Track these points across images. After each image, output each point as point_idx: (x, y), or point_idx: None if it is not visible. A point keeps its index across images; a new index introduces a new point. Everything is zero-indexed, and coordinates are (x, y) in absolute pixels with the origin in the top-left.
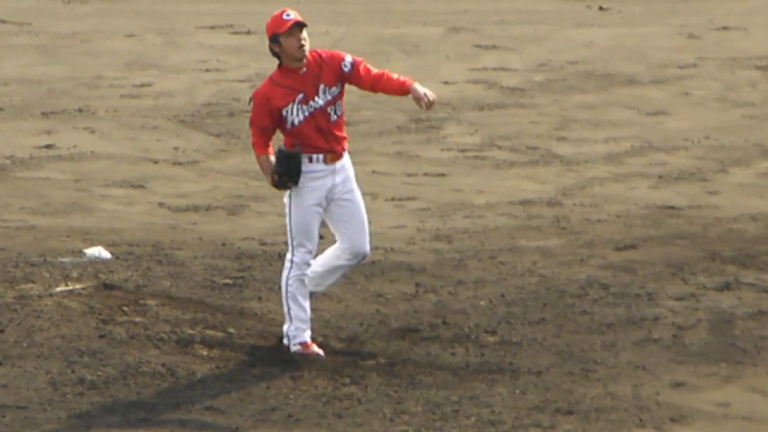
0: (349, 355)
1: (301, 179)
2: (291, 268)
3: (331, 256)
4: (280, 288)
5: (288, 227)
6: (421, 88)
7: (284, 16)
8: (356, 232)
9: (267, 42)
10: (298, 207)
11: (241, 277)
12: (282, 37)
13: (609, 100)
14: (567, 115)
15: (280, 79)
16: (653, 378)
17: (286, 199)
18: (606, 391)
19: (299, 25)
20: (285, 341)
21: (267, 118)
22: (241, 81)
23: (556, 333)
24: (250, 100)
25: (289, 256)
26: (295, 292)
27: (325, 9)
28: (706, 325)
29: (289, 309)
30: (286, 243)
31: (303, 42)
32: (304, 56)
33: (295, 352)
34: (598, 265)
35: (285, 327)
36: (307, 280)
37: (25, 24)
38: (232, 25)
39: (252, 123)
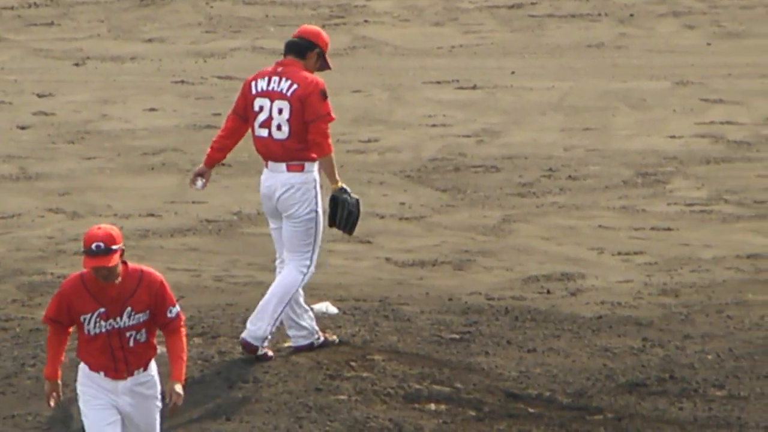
0: (576, 409)
1: None
2: (307, 276)
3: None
4: (280, 289)
5: (314, 239)
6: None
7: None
8: None
9: (319, 52)
10: (322, 220)
11: (468, 332)
12: (327, 55)
13: None
14: None
15: None
16: None
17: (316, 209)
18: None
19: None
20: (254, 341)
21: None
22: (467, 136)
23: None
24: (325, 96)
25: (306, 263)
26: (296, 298)
27: (550, 64)
28: None
29: (281, 313)
30: (513, 297)
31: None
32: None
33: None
34: None
35: (264, 329)
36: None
37: None
38: (458, 80)
39: (331, 118)
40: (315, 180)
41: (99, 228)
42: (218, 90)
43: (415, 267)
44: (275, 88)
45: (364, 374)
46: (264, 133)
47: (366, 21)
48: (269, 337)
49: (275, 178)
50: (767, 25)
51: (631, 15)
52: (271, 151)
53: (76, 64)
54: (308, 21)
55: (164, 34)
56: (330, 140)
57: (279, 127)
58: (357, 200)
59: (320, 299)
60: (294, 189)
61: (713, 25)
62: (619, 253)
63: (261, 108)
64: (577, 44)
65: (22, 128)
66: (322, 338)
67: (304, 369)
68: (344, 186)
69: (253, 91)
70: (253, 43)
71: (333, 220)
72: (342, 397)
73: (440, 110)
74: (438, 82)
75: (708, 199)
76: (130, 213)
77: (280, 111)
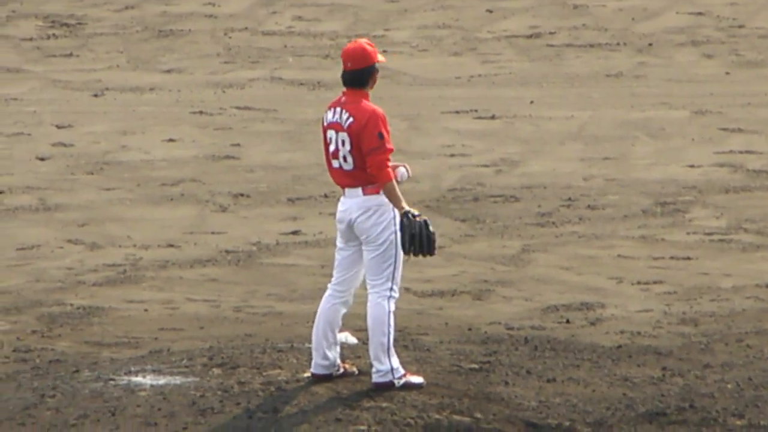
0: None
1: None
2: (391, 300)
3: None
4: (375, 323)
5: (394, 261)
6: None
7: (379, 57)
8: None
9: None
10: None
11: (488, 362)
12: (377, 72)
13: None
14: None
15: None
16: None
17: (395, 230)
18: None
19: None
20: (385, 378)
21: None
22: (486, 166)
23: None
24: (381, 135)
25: (388, 285)
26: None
27: (569, 93)
28: None
29: (391, 344)
30: (533, 327)
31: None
32: None
33: (404, 385)
34: None
35: (387, 363)
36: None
37: (271, 111)
38: (476, 110)
39: (388, 149)
40: None
41: None
42: (237, 120)
43: (434, 297)
44: (338, 120)
45: (384, 404)
46: (336, 164)
47: (384, 51)
48: (396, 366)
49: (351, 201)
50: None
51: (650, 44)
52: (344, 182)
53: (95, 95)
54: (327, 51)
55: (183, 64)
56: (388, 169)
57: (345, 159)
58: (423, 222)
59: (340, 329)
60: (371, 212)
61: (732, 54)
62: (639, 283)
63: (330, 140)
64: (596, 74)
65: (42, 159)
66: (341, 369)
67: (323, 399)
68: (409, 210)
69: (325, 123)
70: (271, 74)
71: (403, 248)
72: (362, 427)
73: (459, 140)
74: (457, 112)
75: (727, 228)
76: (149, 244)
77: (343, 143)
